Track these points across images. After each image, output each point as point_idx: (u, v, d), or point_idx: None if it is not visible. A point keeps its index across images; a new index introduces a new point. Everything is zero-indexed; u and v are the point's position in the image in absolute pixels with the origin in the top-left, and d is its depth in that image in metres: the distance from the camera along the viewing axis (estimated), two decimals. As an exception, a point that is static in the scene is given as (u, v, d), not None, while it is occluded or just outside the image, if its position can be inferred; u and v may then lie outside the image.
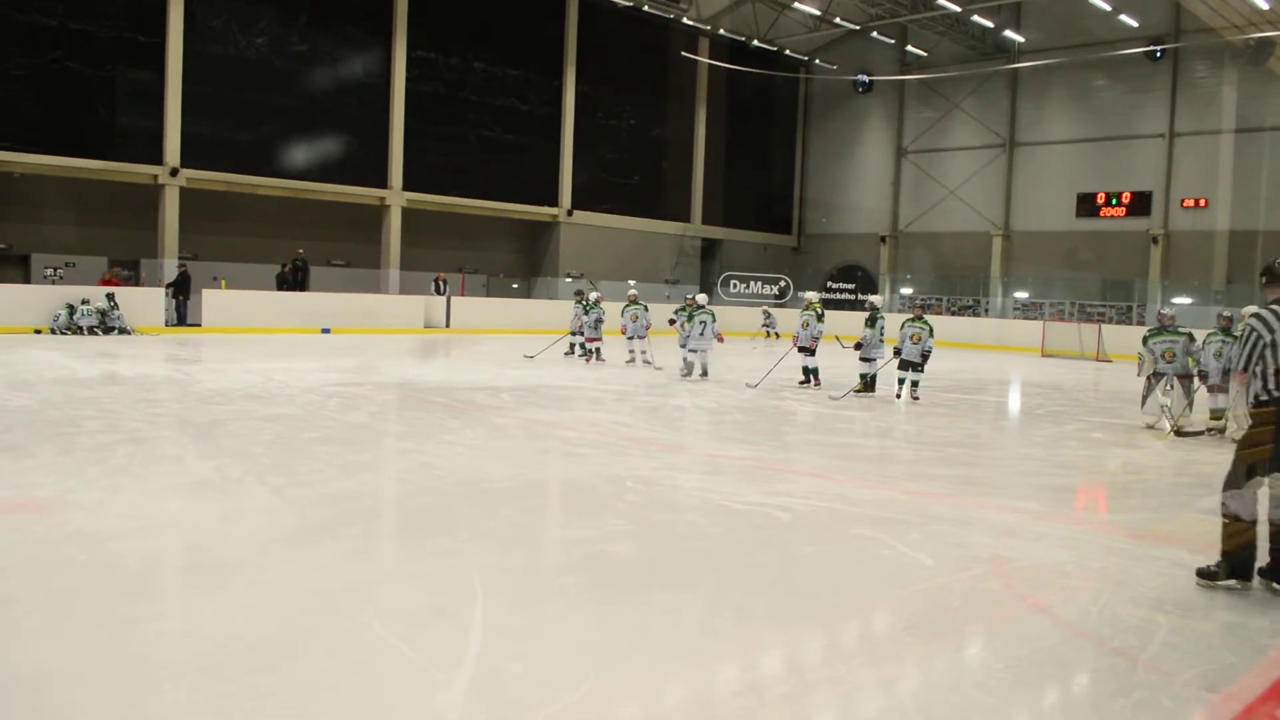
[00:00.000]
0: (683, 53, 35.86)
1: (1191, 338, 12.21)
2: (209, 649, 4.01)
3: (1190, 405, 12.14)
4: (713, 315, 16.24)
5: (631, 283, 22.90)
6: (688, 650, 4.24)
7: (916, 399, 14.09)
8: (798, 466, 8.97)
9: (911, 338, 14.00)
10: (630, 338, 18.37)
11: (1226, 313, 12.46)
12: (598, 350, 18.95)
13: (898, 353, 14.14)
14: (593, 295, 19.47)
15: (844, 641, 4.51)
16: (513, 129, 32.06)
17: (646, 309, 18.58)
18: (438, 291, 28.37)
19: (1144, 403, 12.54)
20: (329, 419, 10.48)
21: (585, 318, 18.94)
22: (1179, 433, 11.65)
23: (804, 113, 41.54)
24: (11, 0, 22.62)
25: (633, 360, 18.29)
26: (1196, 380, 12.22)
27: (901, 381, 14.28)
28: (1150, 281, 31.52)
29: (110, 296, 21.64)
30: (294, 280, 27.48)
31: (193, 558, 5.42)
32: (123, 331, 21.42)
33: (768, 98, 39.81)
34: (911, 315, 14.30)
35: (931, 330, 14.06)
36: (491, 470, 8.03)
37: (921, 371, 14.12)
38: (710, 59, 36.68)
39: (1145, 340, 12.22)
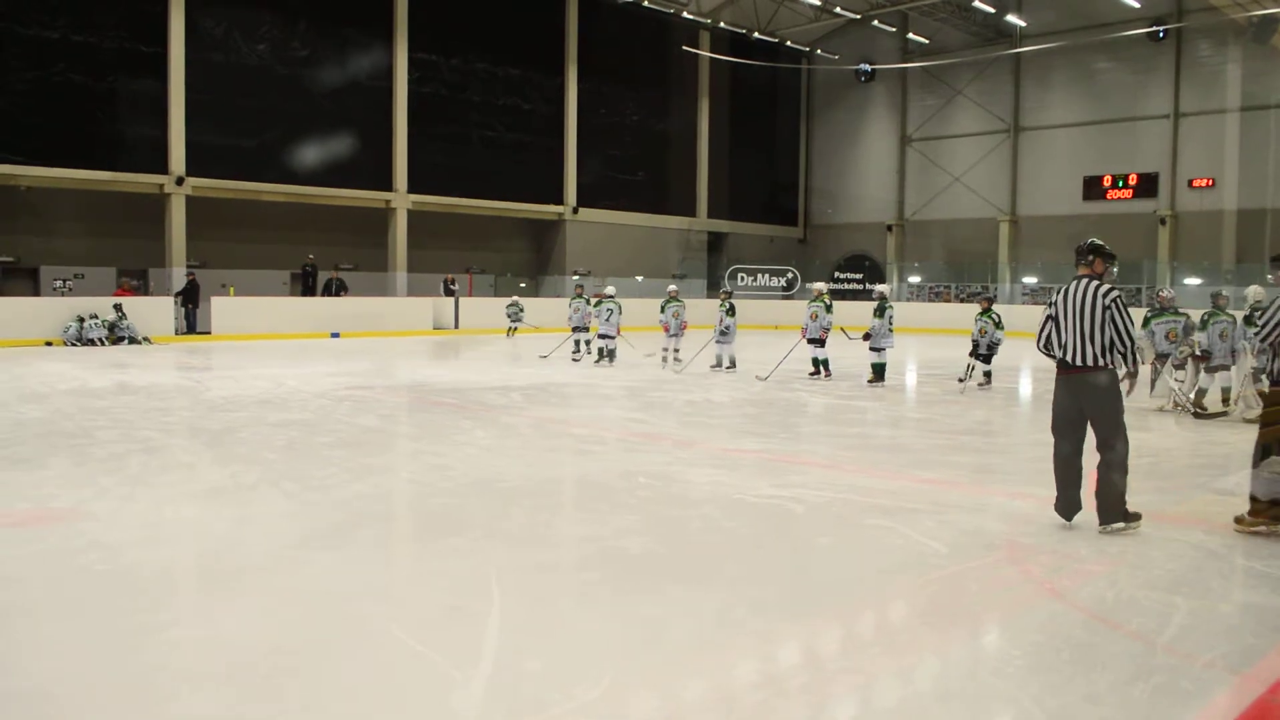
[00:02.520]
0: (684, 47, 35.82)
1: (1189, 318, 12.16)
2: (226, 655, 4.02)
3: (1198, 385, 12.05)
4: (619, 306, 17.86)
5: (634, 279, 22.70)
6: (705, 644, 4.24)
7: (983, 385, 14.35)
8: (810, 458, 8.97)
9: (980, 330, 14.21)
10: (672, 334, 17.77)
11: (1225, 292, 12.43)
12: (612, 352, 18.05)
13: (975, 344, 14.35)
14: (608, 290, 18.91)
15: (861, 632, 4.50)
16: (516, 128, 32.08)
17: (684, 306, 18.06)
18: (447, 292, 28.38)
19: (1153, 386, 12.48)
20: (341, 423, 10.50)
21: (597, 312, 18.36)
22: (1198, 414, 11.55)
23: (807, 104, 41.47)
24: (13, 14, 22.71)
25: (665, 359, 17.63)
26: (1191, 362, 12.15)
27: (970, 369, 14.40)
28: (1159, 263, 31.39)
29: (118, 307, 21.70)
30: (305, 285, 27.59)
31: (208, 565, 5.44)
32: (134, 341, 21.50)
33: (770, 90, 39.73)
34: (980, 309, 14.44)
35: (999, 323, 14.21)
36: (504, 469, 8.04)
37: (988, 362, 14.35)
38: (712, 52, 36.64)
39: (1146, 322, 12.10)
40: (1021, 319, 30.51)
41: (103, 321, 21.25)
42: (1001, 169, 35.68)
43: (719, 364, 16.80)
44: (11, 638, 4.26)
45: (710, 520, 6.51)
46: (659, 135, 36.70)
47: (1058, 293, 6.30)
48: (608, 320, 17.78)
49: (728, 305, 16.90)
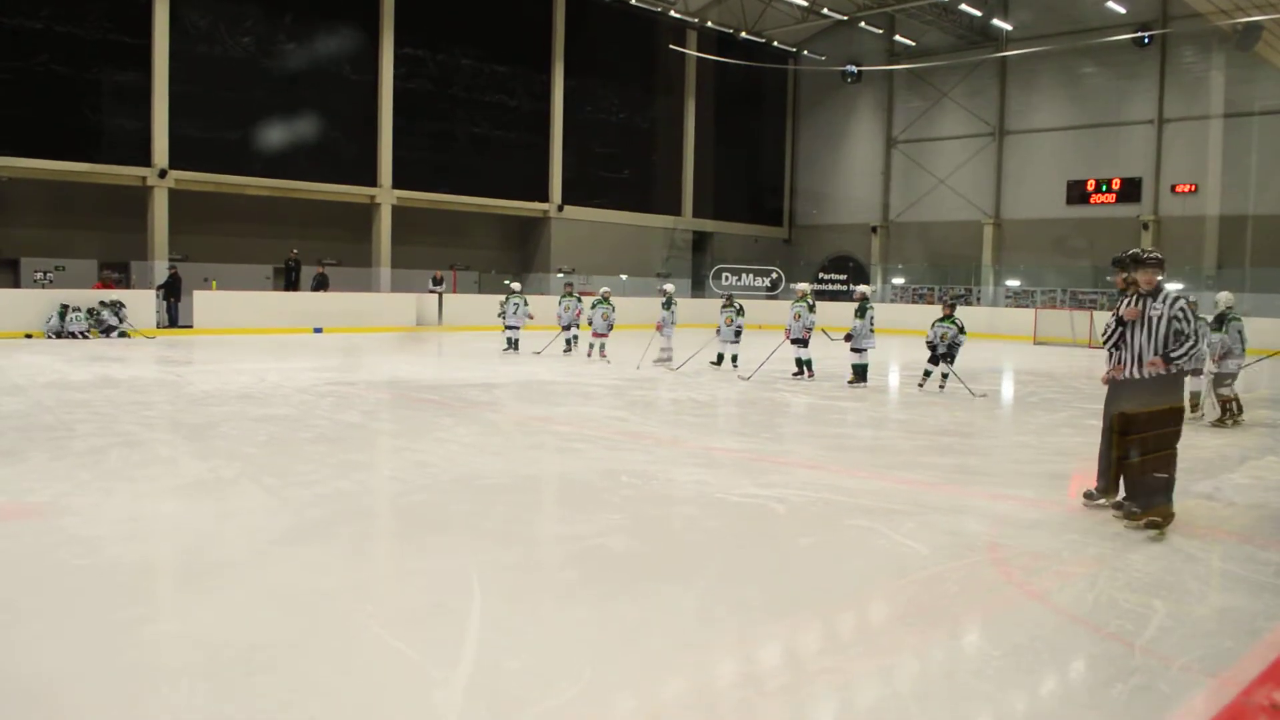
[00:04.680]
0: (671, 46, 35.82)
1: None
2: (206, 651, 4.00)
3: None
4: (525, 300, 19.88)
5: (618, 277, 22.75)
6: (685, 643, 4.25)
7: (941, 388, 14.25)
8: (792, 458, 8.98)
9: (941, 336, 14.12)
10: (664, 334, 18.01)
11: (1192, 298, 12.55)
12: (517, 342, 19.75)
13: (932, 348, 14.26)
14: (515, 285, 20.41)
15: (841, 632, 4.52)
16: (502, 125, 32.02)
17: (675, 305, 18.26)
18: (435, 284, 28.21)
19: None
20: (322, 418, 10.46)
21: (592, 312, 18.73)
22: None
23: (793, 104, 41.53)
24: (-5, 4, 22.53)
25: (669, 358, 17.55)
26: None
27: (928, 374, 14.39)
28: (1141, 267, 31.49)
29: (117, 303, 21.65)
30: (288, 280, 27.45)
31: (188, 560, 5.40)
32: (122, 334, 21.39)
33: (756, 90, 39.78)
34: (941, 314, 14.30)
35: (962, 328, 14.13)
36: (486, 467, 8.03)
37: (951, 363, 14.24)
38: (698, 51, 36.66)
39: None
40: (1007, 322, 30.77)
41: (85, 314, 21.11)
42: (986, 172, 35.82)
43: (733, 363, 16.96)
44: (-13, 632, 4.23)
45: (692, 519, 6.51)
46: (645, 134, 36.69)
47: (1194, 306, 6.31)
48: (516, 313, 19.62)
49: (737, 306, 17.10)
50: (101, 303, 21.65)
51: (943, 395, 13.88)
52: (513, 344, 19.68)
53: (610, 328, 18.52)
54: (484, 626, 4.32)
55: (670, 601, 4.76)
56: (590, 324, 18.78)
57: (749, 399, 13.25)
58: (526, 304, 19.78)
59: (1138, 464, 6.21)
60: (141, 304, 22.77)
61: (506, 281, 20.83)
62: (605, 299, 18.66)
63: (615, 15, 33.38)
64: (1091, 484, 6.88)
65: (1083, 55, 32.97)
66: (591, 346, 18.61)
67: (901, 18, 35.70)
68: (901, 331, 28.90)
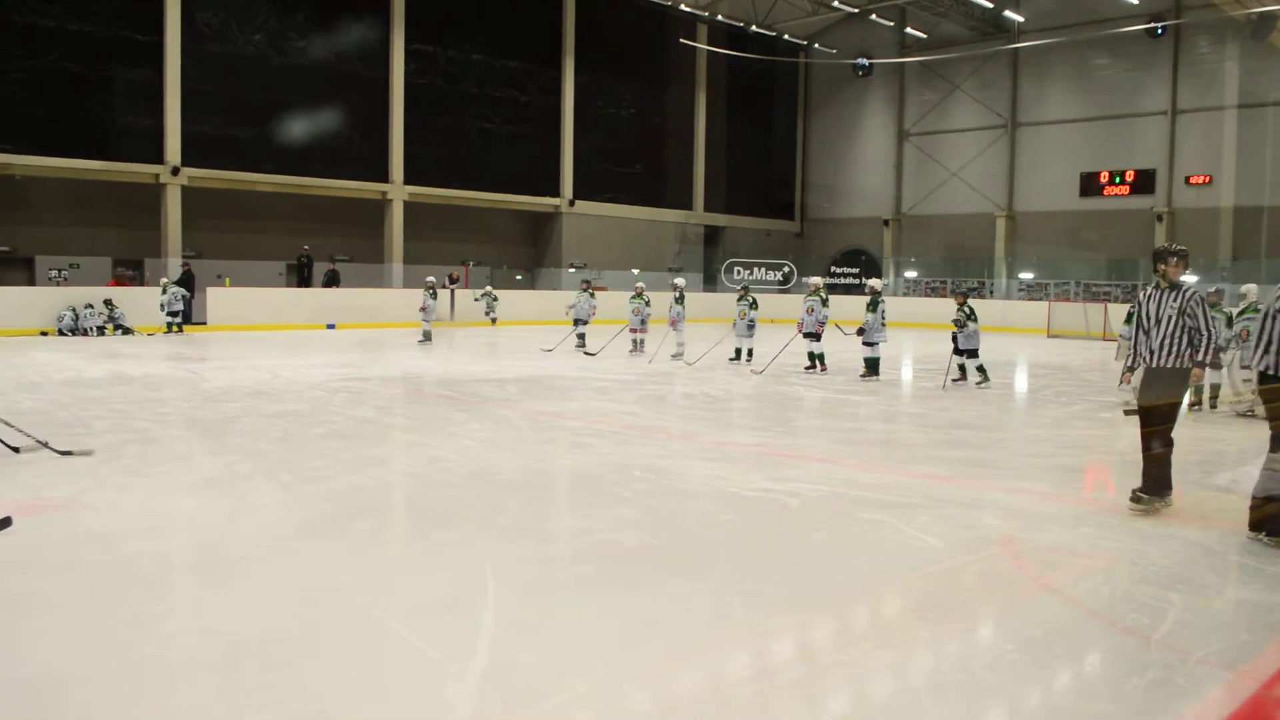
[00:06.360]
0: (681, 40, 35.76)
1: None
2: (222, 645, 4.02)
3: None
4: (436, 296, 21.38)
5: (630, 272, 22.68)
6: (699, 637, 4.25)
7: (979, 384, 13.93)
8: (805, 452, 8.97)
9: (957, 323, 13.80)
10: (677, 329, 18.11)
11: (1212, 288, 12.45)
12: (429, 334, 21.07)
13: (954, 338, 14.00)
14: (430, 279, 21.56)
15: (855, 625, 4.51)
16: (513, 120, 32.05)
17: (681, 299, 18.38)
18: (451, 283, 28.17)
19: (1121, 382, 12.55)
20: (336, 414, 10.49)
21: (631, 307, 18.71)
22: (1128, 413, 11.50)
23: (804, 97, 41.41)
24: (9, 2, 22.60)
25: (680, 354, 17.57)
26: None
27: (962, 368, 14.04)
28: (1155, 259, 31.30)
29: (179, 294, 22.19)
30: (300, 276, 27.52)
31: (204, 555, 5.43)
32: (128, 331, 21.49)
33: (768, 83, 39.70)
34: (956, 304, 13.98)
35: (970, 313, 13.78)
36: (499, 462, 8.04)
37: (976, 357, 13.92)
38: (709, 45, 36.59)
39: (1128, 319, 12.11)
40: (1020, 315, 30.60)
41: (98, 311, 21.23)
42: (999, 164, 35.66)
43: (738, 357, 16.91)
44: (9, 627, 4.26)
45: (705, 514, 6.51)
46: (656, 128, 36.65)
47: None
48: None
49: (750, 299, 17.12)
50: (174, 282, 22.04)
51: (955, 389, 13.81)
52: (427, 336, 20.95)
53: (643, 322, 18.47)
54: (497, 620, 4.33)
55: (683, 595, 4.76)
56: (628, 319, 18.70)
57: (761, 393, 13.24)
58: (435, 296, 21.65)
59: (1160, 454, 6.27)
60: (155, 301, 22.82)
61: (429, 279, 22.00)
62: (639, 294, 18.60)
63: (626, 9, 33.34)
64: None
65: (1095, 46, 32.77)
66: (635, 343, 18.58)
67: (913, 10, 35.53)
68: (914, 325, 28.83)
